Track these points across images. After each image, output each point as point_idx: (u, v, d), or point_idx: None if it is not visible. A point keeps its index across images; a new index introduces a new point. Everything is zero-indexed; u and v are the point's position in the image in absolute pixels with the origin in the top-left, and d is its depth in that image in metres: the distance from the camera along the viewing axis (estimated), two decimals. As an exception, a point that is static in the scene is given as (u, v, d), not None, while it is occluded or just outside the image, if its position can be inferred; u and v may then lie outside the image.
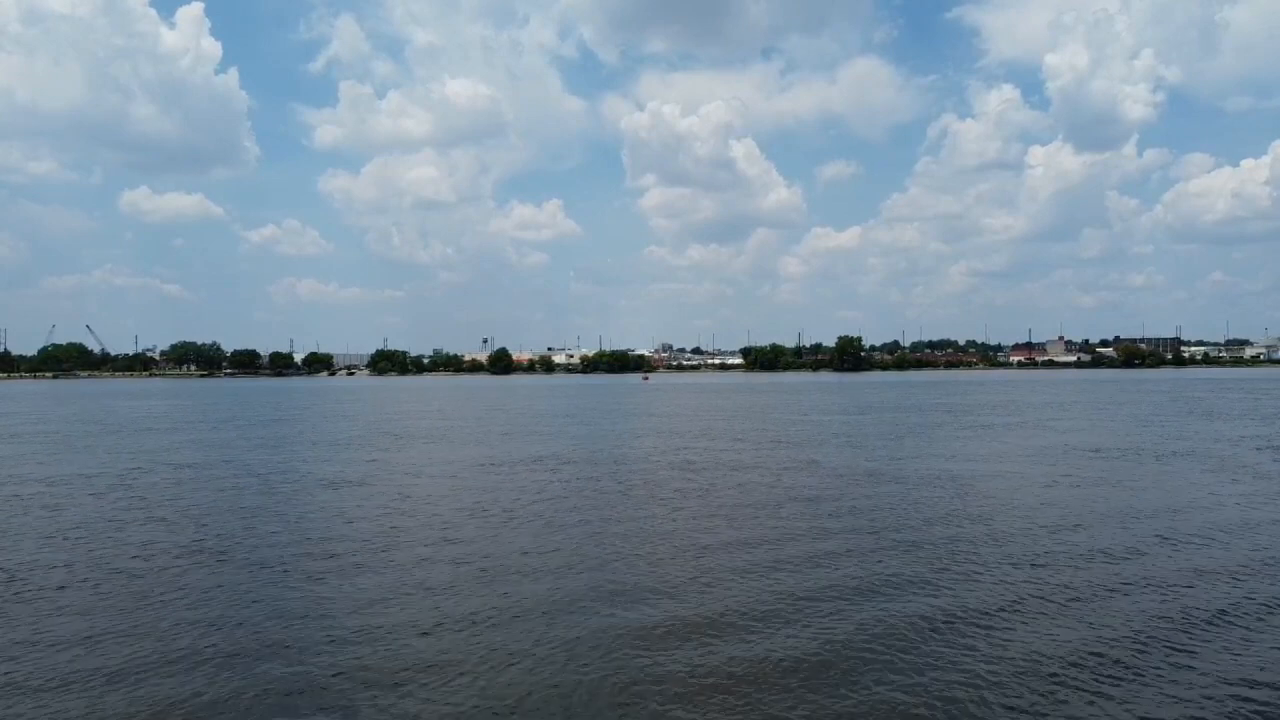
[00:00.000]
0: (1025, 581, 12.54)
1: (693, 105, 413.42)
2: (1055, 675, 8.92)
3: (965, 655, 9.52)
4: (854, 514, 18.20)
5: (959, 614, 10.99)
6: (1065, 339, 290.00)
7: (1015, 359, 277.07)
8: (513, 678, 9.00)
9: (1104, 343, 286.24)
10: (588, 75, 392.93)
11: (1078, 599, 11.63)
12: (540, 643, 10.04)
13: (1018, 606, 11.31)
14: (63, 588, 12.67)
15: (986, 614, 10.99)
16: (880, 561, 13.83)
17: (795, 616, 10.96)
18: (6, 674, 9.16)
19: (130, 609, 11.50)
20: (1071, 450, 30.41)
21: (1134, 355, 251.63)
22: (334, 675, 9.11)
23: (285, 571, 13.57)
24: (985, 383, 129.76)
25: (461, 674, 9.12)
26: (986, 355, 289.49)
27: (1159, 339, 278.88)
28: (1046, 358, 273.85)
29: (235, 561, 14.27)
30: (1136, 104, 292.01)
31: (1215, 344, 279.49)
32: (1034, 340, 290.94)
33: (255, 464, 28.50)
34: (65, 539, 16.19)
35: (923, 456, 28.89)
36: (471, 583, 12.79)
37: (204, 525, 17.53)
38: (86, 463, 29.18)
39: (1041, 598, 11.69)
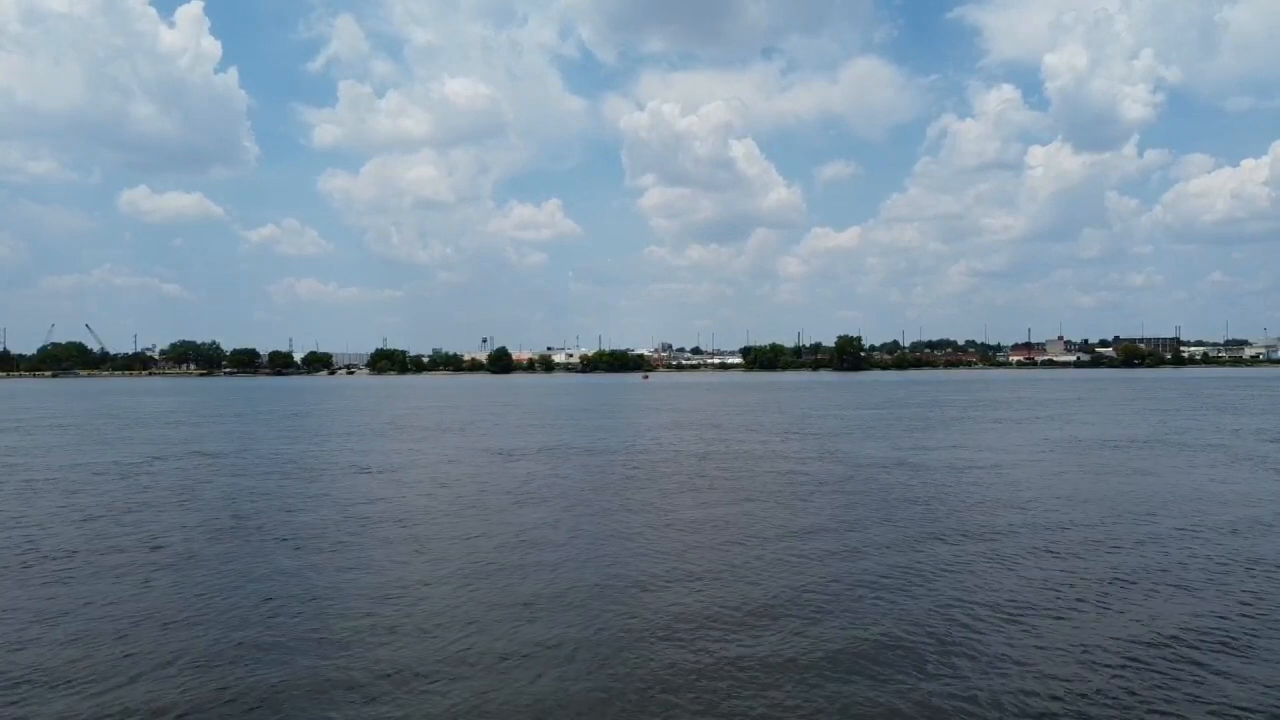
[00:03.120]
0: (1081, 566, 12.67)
1: (692, 105, 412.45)
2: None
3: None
4: (868, 493, 18.38)
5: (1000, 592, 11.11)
6: (1065, 339, 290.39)
7: (1015, 359, 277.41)
8: (504, 633, 9.50)
9: (1103, 343, 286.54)
10: (587, 75, 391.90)
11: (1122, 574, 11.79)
12: (533, 604, 10.55)
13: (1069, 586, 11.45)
14: (90, 556, 13.13)
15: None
16: (902, 534, 14.04)
17: (800, 573, 11.20)
18: (40, 629, 9.79)
19: (154, 579, 11.93)
20: (1103, 441, 30.55)
21: (1133, 355, 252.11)
22: (350, 630, 9.42)
23: (324, 541, 13.81)
24: (990, 381, 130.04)
25: (462, 624, 9.83)
26: (986, 355, 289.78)
27: (1158, 339, 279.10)
28: (1046, 357, 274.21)
29: (272, 536, 14.68)
30: (1136, 104, 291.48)
31: (1215, 344, 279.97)
32: (1033, 340, 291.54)
33: (289, 453, 28.57)
34: (101, 517, 16.39)
35: (954, 447, 29.00)
36: (493, 551, 13.52)
37: (246, 503, 17.67)
38: (120, 452, 29.21)
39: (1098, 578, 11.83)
